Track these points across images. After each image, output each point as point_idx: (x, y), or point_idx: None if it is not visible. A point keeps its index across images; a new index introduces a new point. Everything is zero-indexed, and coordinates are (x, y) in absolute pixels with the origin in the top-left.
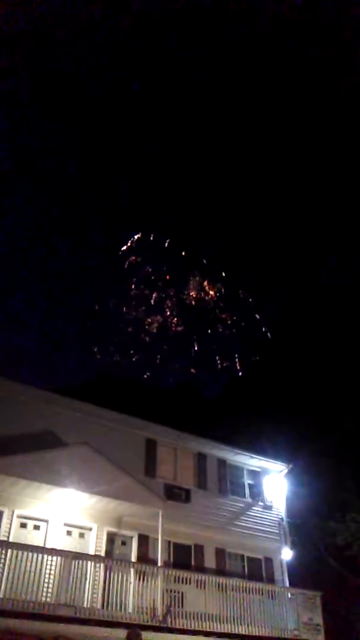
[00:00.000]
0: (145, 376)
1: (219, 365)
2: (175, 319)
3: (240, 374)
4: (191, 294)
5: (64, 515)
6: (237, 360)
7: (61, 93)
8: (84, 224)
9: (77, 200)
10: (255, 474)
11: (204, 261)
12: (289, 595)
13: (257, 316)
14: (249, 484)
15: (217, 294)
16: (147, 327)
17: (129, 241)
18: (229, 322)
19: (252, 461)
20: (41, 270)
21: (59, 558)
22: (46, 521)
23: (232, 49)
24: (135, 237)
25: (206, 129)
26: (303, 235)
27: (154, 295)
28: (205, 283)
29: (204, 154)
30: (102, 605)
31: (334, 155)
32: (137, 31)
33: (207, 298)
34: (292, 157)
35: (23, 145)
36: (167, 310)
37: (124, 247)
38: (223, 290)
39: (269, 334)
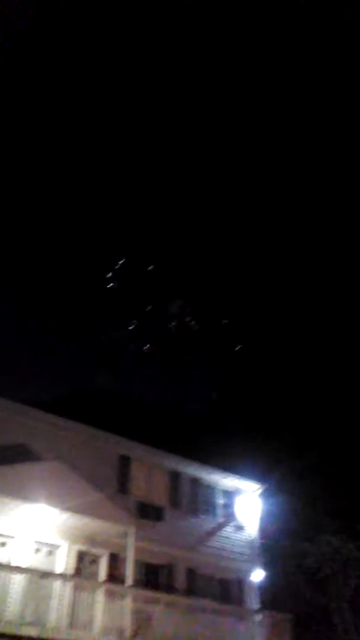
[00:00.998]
0: (120, 391)
1: (196, 384)
2: (151, 344)
3: (215, 394)
4: (172, 322)
5: (33, 532)
6: (213, 380)
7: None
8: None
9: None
10: (228, 494)
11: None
12: (259, 618)
13: (233, 336)
14: (222, 503)
15: (193, 321)
16: (126, 345)
17: (113, 266)
18: (204, 343)
19: (225, 480)
20: (16, 281)
21: (25, 576)
22: (12, 537)
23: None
24: (119, 262)
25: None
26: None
27: (134, 321)
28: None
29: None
30: (69, 625)
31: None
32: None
33: (189, 324)
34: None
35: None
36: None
37: (108, 274)
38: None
39: (243, 352)
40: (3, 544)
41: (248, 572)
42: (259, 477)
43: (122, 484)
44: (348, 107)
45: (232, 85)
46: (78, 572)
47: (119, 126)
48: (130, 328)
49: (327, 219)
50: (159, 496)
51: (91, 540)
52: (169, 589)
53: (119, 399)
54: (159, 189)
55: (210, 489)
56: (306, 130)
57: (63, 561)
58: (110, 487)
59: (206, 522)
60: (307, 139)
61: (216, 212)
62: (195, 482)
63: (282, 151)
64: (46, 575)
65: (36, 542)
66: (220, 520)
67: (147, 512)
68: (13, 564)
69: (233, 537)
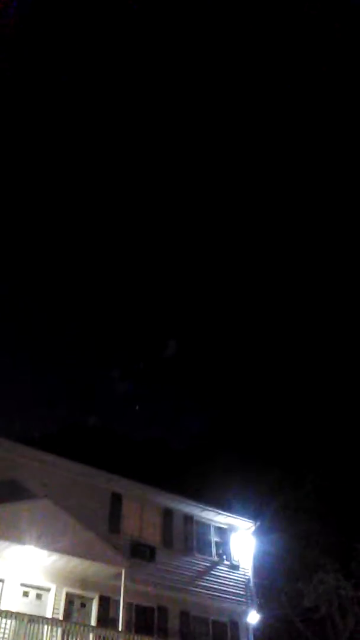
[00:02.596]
0: (110, 427)
1: (186, 419)
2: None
3: (206, 428)
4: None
5: (21, 574)
6: (204, 412)
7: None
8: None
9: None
10: (222, 531)
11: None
12: None
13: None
14: (215, 541)
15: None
16: (114, 382)
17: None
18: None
19: (219, 518)
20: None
21: (13, 621)
22: (2, 581)
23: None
24: None
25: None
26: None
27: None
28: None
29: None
30: None
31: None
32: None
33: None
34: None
35: None
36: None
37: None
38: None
39: (233, 387)
40: None
41: (243, 614)
42: (252, 514)
43: (114, 523)
44: (347, 111)
45: (232, 89)
46: (68, 616)
47: (112, 146)
48: (118, 365)
49: (322, 233)
50: (152, 534)
51: (81, 582)
52: (162, 632)
53: (109, 436)
54: (149, 213)
55: (203, 526)
56: (304, 138)
57: (52, 604)
58: (102, 526)
59: (200, 562)
60: (303, 149)
61: (205, 229)
62: (189, 519)
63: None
64: (35, 619)
65: (24, 584)
66: (214, 558)
67: (139, 552)
68: (2, 607)
69: (227, 577)
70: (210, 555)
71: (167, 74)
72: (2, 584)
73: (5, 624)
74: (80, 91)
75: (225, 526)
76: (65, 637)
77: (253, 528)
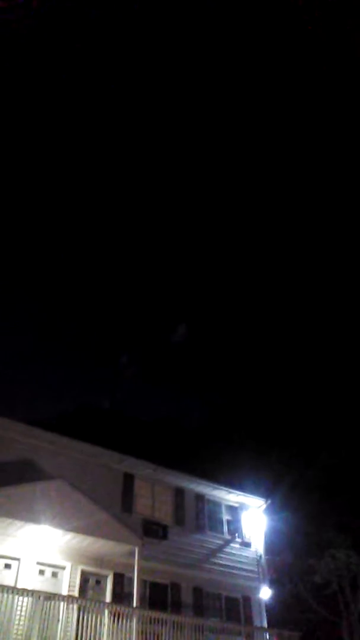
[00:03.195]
0: (122, 408)
1: (197, 399)
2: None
3: (218, 408)
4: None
5: (37, 553)
6: (215, 394)
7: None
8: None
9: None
10: (233, 510)
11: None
12: (267, 636)
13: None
14: (227, 519)
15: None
16: (126, 363)
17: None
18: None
19: (230, 496)
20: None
21: (29, 598)
22: (18, 559)
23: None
24: None
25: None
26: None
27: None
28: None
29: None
30: None
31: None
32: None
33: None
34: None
35: None
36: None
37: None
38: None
39: (245, 365)
40: (8, 566)
41: (255, 590)
42: (264, 492)
43: (127, 503)
44: (347, 110)
45: (231, 91)
46: (83, 593)
47: (112, 143)
48: (129, 348)
49: (322, 229)
50: (164, 514)
51: (96, 560)
52: (176, 608)
53: (121, 417)
54: (152, 204)
55: (215, 505)
56: (304, 138)
57: (67, 582)
58: (115, 506)
59: (212, 540)
60: (303, 149)
61: (210, 216)
62: (200, 498)
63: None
64: (51, 597)
65: (40, 563)
66: (226, 537)
67: (152, 531)
68: (18, 586)
69: (239, 554)
70: (222, 533)
71: (168, 71)
72: (19, 563)
73: (22, 601)
74: (80, 90)
75: (236, 504)
76: (81, 613)
77: (264, 506)
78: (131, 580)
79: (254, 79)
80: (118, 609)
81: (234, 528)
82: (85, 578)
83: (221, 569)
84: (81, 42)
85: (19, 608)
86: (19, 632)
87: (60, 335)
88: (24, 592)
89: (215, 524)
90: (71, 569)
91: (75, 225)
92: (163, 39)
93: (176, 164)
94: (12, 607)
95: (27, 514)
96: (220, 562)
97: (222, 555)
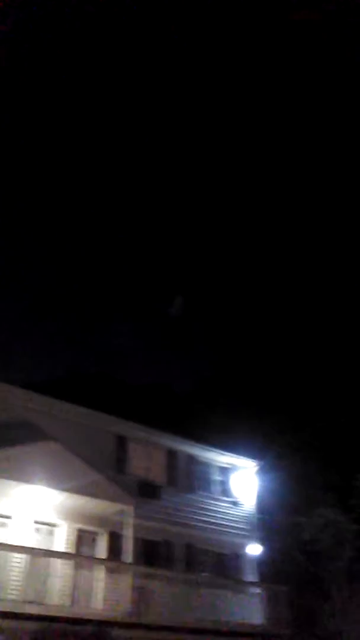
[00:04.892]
0: (115, 372)
1: (190, 362)
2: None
3: (210, 372)
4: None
5: (33, 512)
6: (206, 357)
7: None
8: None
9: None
10: (225, 471)
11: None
12: (257, 590)
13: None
14: (219, 480)
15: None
16: (119, 326)
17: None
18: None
19: (222, 458)
20: (14, 266)
21: (25, 555)
22: (11, 518)
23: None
24: None
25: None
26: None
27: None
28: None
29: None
30: (71, 603)
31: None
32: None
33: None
34: None
35: None
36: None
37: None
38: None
39: (237, 328)
40: (3, 525)
41: (245, 547)
42: (255, 454)
43: (120, 464)
44: (347, 109)
45: (231, 90)
46: (79, 550)
47: (114, 134)
48: (121, 313)
49: (322, 214)
50: (156, 474)
51: (91, 519)
52: (168, 564)
53: (113, 380)
54: (156, 187)
55: (207, 466)
56: (305, 132)
57: (63, 540)
58: (108, 467)
59: (203, 498)
60: (305, 141)
61: (210, 202)
62: (192, 459)
63: (270, 156)
64: (46, 554)
65: (36, 522)
66: (217, 496)
67: (146, 490)
68: (14, 543)
69: (230, 513)
70: (213, 492)
71: (167, 71)
72: (14, 521)
73: (20, 558)
74: (80, 89)
75: (228, 466)
76: (76, 569)
77: (256, 468)
78: (125, 538)
79: (253, 75)
80: (112, 565)
81: (226, 488)
82: (81, 536)
83: (212, 527)
84: (81, 42)
85: (14, 565)
86: (15, 589)
87: (54, 301)
88: (19, 548)
89: (207, 484)
90: (67, 527)
91: (73, 190)
92: (163, 39)
93: (177, 138)
94: (7, 563)
95: (21, 474)
96: (212, 520)
97: (213, 514)
